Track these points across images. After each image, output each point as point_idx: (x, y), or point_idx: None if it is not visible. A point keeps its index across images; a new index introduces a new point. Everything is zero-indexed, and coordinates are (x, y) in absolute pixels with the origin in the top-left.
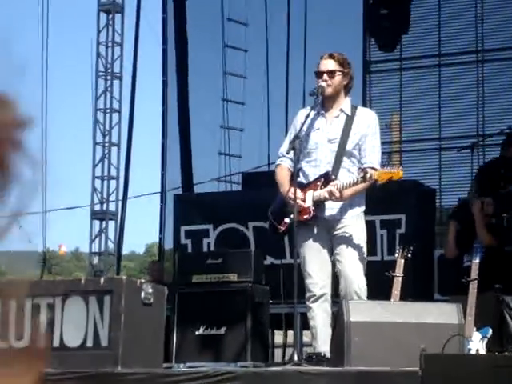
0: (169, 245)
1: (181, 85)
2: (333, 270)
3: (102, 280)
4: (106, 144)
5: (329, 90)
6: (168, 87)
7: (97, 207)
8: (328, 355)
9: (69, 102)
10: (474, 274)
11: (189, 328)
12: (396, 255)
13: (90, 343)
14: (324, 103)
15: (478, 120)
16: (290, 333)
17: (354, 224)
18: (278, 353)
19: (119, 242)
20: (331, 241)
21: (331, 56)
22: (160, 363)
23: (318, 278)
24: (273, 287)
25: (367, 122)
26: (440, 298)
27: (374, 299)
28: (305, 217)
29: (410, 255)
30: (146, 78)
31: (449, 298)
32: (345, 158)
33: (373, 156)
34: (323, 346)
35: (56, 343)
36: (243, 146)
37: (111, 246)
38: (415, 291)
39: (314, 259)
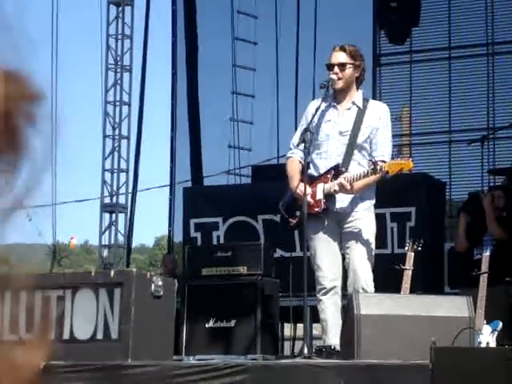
0: (178, 237)
1: (190, 77)
2: (343, 262)
3: (112, 273)
4: (116, 137)
5: (339, 83)
6: (177, 80)
7: (107, 200)
8: (338, 348)
9: (79, 95)
10: (485, 267)
11: (199, 321)
12: (406, 248)
13: (100, 336)
14: (336, 95)
15: (489, 113)
16: (299, 326)
17: (365, 217)
18: (287, 346)
19: (129, 235)
20: (341, 234)
21: (342, 48)
22: (170, 356)
23: (328, 270)
24: (282, 280)
25: (379, 115)
26: (450, 291)
27: (383, 292)
28: (315, 209)
29: (420, 248)
30: (156, 71)
31: (459, 291)
32: (355, 151)
33: (384, 149)
34: (333, 339)
35: (66, 336)
36: (253, 139)
37: (121, 238)
38: (425, 284)
39: (325, 252)
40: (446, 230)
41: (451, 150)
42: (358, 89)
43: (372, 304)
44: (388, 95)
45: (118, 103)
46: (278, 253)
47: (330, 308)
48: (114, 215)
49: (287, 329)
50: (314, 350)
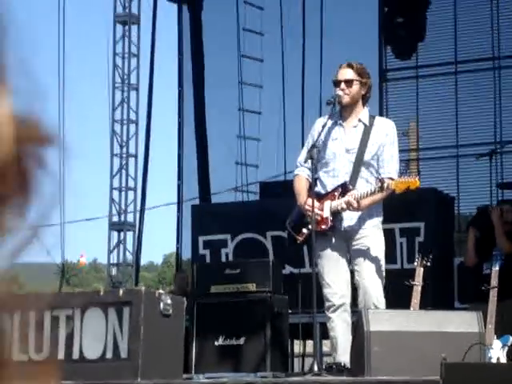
0: (186, 255)
1: (197, 95)
2: (351, 279)
3: (120, 291)
4: (124, 155)
5: (346, 99)
6: (184, 98)
7: (115, 218)
8: (348, 365)
9: (86, 114)
10: (494, 281)
11: (208, 338)
12: (415, 263)
13: (109, 355)
14: (342, 113)
15: (496, 127)
16: (309, 342)
17: (373, 235)
18: (297, 363)
19: (137, 253)
20: (349, 251)
21: (350, 65)
22: (179, 374)
23: (336, 287)
24: (292, 296)
25: (385, 132)
26: (460, 306)
27: (393, 308)
28: (323, 227)
29: (429, 263)
30: (163, 89)
31: (469, 306)
32: (363, 169)
33: (391, 166)
34: (343, 355)
35: (75, 355)
36: (260, 156)
37: (129, 256)
38: (435, 299)
39: (333, 269)
40: (455, 245)
41: (459, 164)
42: (364, 106)
43: (382, 320)
44: (395, 110)
45: (125, 122)
46: (287, 269)
47: (341, 325)
48: (122, 233)
49: (297, 346)
50: (324, 367)
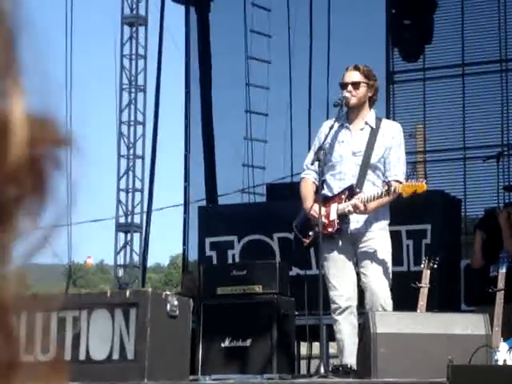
0: (193, 256)
1: (204, 96)
2: (358, 282)
3: (127, 293)
4: (131, 156)
5: (353, 101)
6: (191, 99)
7: (122, 220)
8: (354, 367)
9: (93, 115)
10: (501, 284)
11: (214, 340)
12: (422, 266)
13: (116, 356)
14: (348, 115)
15: (503, 129)
16: (315, 344)
17: (379, 237)
18: (303, 365)
19: (144, 254)
20: (356, 254)
21: (356, 68)
22: (186, 375)
23: (343, 290)
24: (298, 298)
25: (392, 134)
26: (466, 308)
27: (400, 310)
28: (329, 230)
29: (436, 265)
30: (171, 91)
31: (475, 308)
32: (369, 171)
33: (398, 168)
34: (349, 357)
35: (82, 356)
36: (267, 158)
37: (136, 258)
38: (441, 302)
39: (339, 272)
40: (461, 247)
41: (466, 166)
42: (370, 108)
43: (388, 322)
44: (402, 112)
45: (132, 123)
46: (294, 271)
47: (347, 328)
48: (129, 235)
49: (303, 348)
50: (330, 369)
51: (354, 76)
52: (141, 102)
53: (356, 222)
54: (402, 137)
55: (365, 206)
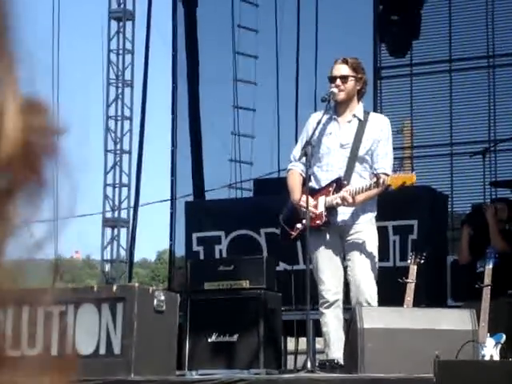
0: (180, 252)
1: (191, 91)
2: (345, 275)
3: (114, 288)
4: (118, 151)
5: (341, 96)
6: (178, 94)
7: (108, 214)
8: (341, 362)
9: (80, 109)
10: (488, 279)
11: (201, 335)
12: (408, 261)
13: (102, 351)
14: (337, 108)
15: (490, 125)
16: (302, 340)
17: (367, 229)
18: (290, 360)
19: (131, 249)
20: (343, 246)
21: (345, 61)
22: (173, 370)
23: (330, 284)
24: (285, 293)
25: (380, 127)
26: (453, 303)
27: (386, 305)
28: (317, 222)
29: (422, 261)
30: (158, 86)
31: (462, 303)
32: (357, 164)
33: (385, 161)
34: (336, 352)
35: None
36: (254, 153)
37: (123, 253)
38: (428, 297)
39: (327, 265)
40: (448, 243)
41: (453, 162)
42: (359, 101)
43: (375, 317)
44: (389, 108)
45: (119, 118)
46: (281, 266)
47: (333, 321)
48: (115, 230)
49: (290, 343)
50: (317, 364)
51: (342, 69)
52: (128, 96)
53: (343, 214)
54: (390, 131)
55: (353, 198)
